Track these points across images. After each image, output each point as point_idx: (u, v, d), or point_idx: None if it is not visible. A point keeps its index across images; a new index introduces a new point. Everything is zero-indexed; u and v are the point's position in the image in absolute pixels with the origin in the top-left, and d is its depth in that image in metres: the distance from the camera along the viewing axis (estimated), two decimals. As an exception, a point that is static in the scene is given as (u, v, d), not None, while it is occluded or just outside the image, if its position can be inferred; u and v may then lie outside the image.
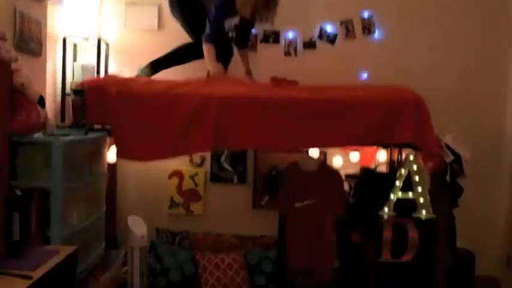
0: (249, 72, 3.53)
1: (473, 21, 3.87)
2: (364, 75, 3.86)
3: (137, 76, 3.39)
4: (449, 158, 2.91)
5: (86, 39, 3.54)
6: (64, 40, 3.47)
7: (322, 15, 3.88)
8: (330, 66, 3.79)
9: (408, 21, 3.87)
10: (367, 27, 3.89)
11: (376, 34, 3.89)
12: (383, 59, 3.84)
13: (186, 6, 3.40)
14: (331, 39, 3.89)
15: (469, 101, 3.85)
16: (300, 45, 3.88)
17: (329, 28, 3.89)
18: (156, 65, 3.43)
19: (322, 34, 3.88)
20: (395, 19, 3.87)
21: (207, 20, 3.21)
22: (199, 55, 3.30)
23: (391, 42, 3.88)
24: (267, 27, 3.70)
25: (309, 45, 3.89)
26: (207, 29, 3.21)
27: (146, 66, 3.43)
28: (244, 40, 3.57)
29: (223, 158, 3.79)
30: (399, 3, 3.87)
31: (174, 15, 3.48)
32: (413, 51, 3.86)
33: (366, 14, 3.88)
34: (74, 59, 3.67)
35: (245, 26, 3.51)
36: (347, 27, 3.89)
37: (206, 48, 3.23)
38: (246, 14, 3.26)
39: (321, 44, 3.88)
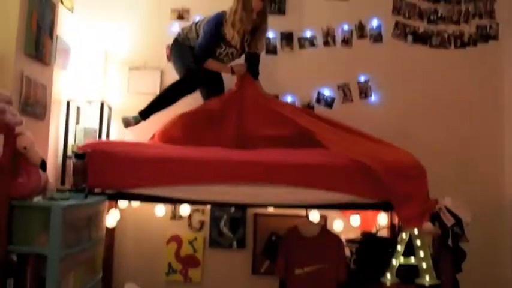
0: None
1: (469, 86, 3.98)
2: (362, 138, 3.90)
3: (124, 121, 3.46)
4: (450, 221, 2.88)
5: (89, 102, 3.60)
6: (68, 103, 3.53)
7: (319, 80, 3.98)
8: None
9: (404, 84, 3.97)
10: (364, 91, 3.98)
11: (373, 98, 3.98)
12: (380, 122, 3.90)
13: (185, 52, 3.53)
14: (329, 103, 3.97)
15: (466, 163, 3.88)
16: (298, 109, 3.95)
17: (326, 92, 3.98)
18: (146, 112, 3.47)
19: (320, 98, 3.97)
20: (391, 83, 3.97)
21: (198, 45, 3.42)
22: (189, 89, 3.45)
23: (387, 105, 3.96)
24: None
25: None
26: (197, 52, 3.40)
27: (135, 116, 3.47)
28: (254, 72, 3.59)
29: (222, 223, 3.75)
30: (395, 67, 3.99)
31: (174, 63, 3.62)
32: (410, 114, 3.94)
33: (362, 78, 3.98)
34: (77, 122, 3.72)
35: (252, 58, 3.59)
36: (344, 91, 3.98)
37: (208, 65, 3.42)
38: (235, 43, 3.41)
39: (319, 108, 3.95)
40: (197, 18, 3.70)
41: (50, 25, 2.89)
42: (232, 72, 3.48)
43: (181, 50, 3.55)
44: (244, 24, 3.33)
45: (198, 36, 3.47)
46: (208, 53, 3.42)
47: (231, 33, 3.36)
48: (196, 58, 3.42)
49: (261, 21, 3.45)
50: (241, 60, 3.63)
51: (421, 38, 4.04)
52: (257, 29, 3.45)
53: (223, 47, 3.47)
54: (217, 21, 3.39)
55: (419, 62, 4.00)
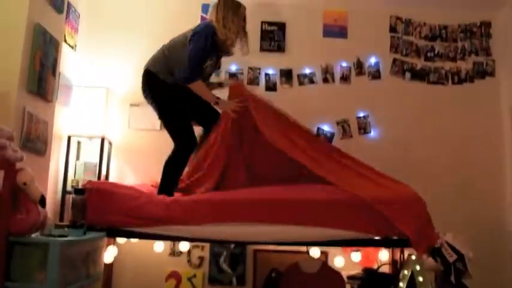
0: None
1: (467, 122, 4.03)
2: (362, 174, 3.90)
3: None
4: (453, 257, 2.85)
5: (90, 138, 3.63)
6: (69, 138, 3.56)
7: (319, 116, 4.02)
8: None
9: (403, 120, 4.03)
10: (363, 127, 4.01)
11: (372, 133, 4.01)
12: (379, 157, 3.89)
13: (163, 93, 3.22)
14: (329, 139, 3.99)
15: (465, 196, 3.88)
16: (298, 145, 3.97)
17: (326, 128, 4.01)
18: (165, 189, 3.10)
19: (319, 134, 3.99)
20: (390, 119, 4.02)
21: (188, 60, 3.09)
22: (187, 156, 3.22)
23: (387, 141, 3.99)
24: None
25: (308, 144, 3.98)
26: (186, 73, 3.08)
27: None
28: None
29: (222, 259, 3.71)
30: (393, 103, 4.05)
31: (149, 98, 3.31)
32: (409, 149, 3.98)
33: (361, 114, 4.02)
34: (77, 158, 3.74)
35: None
36: (343, 127, 4.01)
37: (195, 86, 3.11)
38: (231, 43, 3.24)
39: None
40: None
41: (53, 63, 2.95)
42: (216, 103, 3.19)
43: (156, 85, 3.21)
44: (237, 28, 3.22)
45: (177, 60, 3.17)
46: (200, 72, 3.15)
47: (226, 35, 3.18)
48: (186, 75, 3.10)
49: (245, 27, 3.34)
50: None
51: (419, 75, 4.10)
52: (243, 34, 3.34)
53: (211, 59, 3.28)
54: (208, 32, 3.16)
55: (417, 98, 4.06)
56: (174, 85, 3.16)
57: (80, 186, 2.80)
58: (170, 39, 3.34)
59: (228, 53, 3.39)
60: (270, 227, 2.76)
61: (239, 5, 3.28)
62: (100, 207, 2.68)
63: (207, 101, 3.22)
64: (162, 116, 3.28)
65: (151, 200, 2.82)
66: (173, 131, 3.24)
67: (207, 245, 3.76)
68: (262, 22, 4.12)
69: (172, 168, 3.18)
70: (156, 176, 3.49)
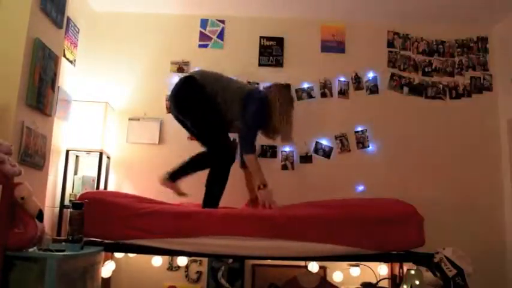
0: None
1: (465, 136, 4.05)
2: (360, 188, 3.91)
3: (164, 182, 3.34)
4: (452, 271, 2.84)
5: (88, 152, 3.63)
6: (67, 152, 3.56)
7: (317, 130, 4.04)
8: (327, 179, 3.87)
9: (401, 135, 4.04)
10: (361, 141, 4.02)
11: (370, 147, 4.01)
12: (377, 171, 3.93)
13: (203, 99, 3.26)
14: (327, 154, 4.00)
15: (464, 210, 3.88)
16: (296, 159, 3.98)
17: (324, 142, 4.02)
18: (173, 175, 3.35)
19: (318, 148, 4.00)
20: (388, 133, 4.04)
21: (242, 131, 3.25)
22: (227, 166, 3.26)
23: (384, 155, 4.00)
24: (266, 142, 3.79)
25: (306, 159, 3.99)
26: (244, 141, 3.26)
27: (165, 176, 3.36)
28: None
29: (220, 274, 3.68)
30: (391, 118, 4.07)
31: (181, 116, 3.38)
32: (407, 163, 3.99)
33: (359, 129, 4.03)
34: (75, 172, 3.74)
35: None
36: (341, 141, 4.02)
37: (251, 159, 3.21)
38: (278, 124, 3.29)
39: (317, 158, 3.98)
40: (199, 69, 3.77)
41: (52, 77, 2.95)
42: (259, 187, 3.19)
43: (199, 92, 3.24)
44: (289, 116, 3.32)
45: (224, 92, 3.27)
46: (254, 146, 3.28)
47: (278, 119, 3.28)
48: (241, 144, 3.30)
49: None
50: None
51: (416, 90, 4.13)
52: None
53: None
54: (265, 105, 3.28)
55: (415, 112, 4.08)
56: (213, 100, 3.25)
57: (76, 200, 2.78)
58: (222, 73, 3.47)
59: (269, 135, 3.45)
60: (269, 241, 2.75)
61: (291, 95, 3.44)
62: (97, 220, 2.68)
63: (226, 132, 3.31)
64: (198, 125, 3.33)
65: (154, 211, 2.81)
66: (210, 143, 3.32)
67: (205, 260, 3.74)
68: (260, 37, 4.16)
69: (214, 184, 3.23)
70: (154, 190, 3.50)
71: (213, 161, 3.26)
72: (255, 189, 3.32)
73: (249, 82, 4.05)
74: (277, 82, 3.48)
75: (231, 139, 3.41)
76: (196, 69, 3.82)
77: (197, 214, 2.80)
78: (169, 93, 3.92)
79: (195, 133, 3.45)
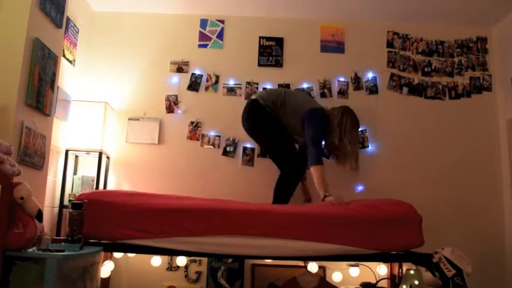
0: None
1: (465, 136, 4.05)
2: (360, 188, 3.91)
3: None
4: (451, 271, 2.84)
5: (88, 152, 3.63)
6: (66, 152, 3.56)
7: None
8: (328, 179, 3.85)
9: (401, 135, 4.04)
10: (361, 142, 4.02)
11: (370, 148, 4.01)
12: (377, 172, 3.93)
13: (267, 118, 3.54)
14: (327, 154, 3.99)
15: (464, 212, 3.88)
16: (296, 159, 3.98)
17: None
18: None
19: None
20: (388, 134, 4.03)
21: (308, 148, 3.38)
22: (296, 179, 3.54)
23: (384, 155, 4.00)
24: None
25: (305, 159, 3.98)
26: (311, 152, 3.35)
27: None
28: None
29: (219, 274, 3.68)
30: (391, 118, 4.06)
31: (254, 125, 3.64)
32: (407, 163, 3.98)
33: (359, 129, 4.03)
34: (75, 172, 3.74)
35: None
36: (341, 141, 4.02)
37: (318, 170, 3.31)
38: (342, 147, 3.47)
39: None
40: (196, 71, 3.79)
41: (52, 77, 2.95)
42: (323, 199, 3.25)
43: (263, 114, 3.54)
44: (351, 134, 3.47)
45: (285, 108, 3.52)
46: (321, 153, 3.45)
47: (341, 140, 3.46)
48: (312, 158, 3.36)
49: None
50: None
51: (416, 90, 4.12)
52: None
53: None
54: (326, 120, 3.49)
55: (414, 113, 4.07)
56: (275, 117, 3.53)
57: (75, 200, 2.78)
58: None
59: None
60: (268, 240, 2.75)
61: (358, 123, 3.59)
62: (97, 220, 2.68)
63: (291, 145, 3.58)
64: (268, 147, 3.69)
65: (148, 209, 2.81)
66: (280, 157, 3.59)
67: (204, 260, 3.74)
68: (260, 37, 4.15)
69: (281, 191, 3.49)
70: (154, 191, 3.50)
71: (284, 172, 3.52)
72: (308, 191, 3.71)
73: (248, 83, 4.05)
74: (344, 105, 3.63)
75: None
76: (260, 89, 4.01)
77: (196, 211, 2.80)
78: (169, 93, 3.98)
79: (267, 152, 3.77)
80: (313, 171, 3.32)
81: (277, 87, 4.07)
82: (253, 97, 3.64)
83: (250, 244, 2.74)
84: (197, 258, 3.73)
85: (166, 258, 3.72)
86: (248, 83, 4.05)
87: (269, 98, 3.57)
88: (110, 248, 2.93)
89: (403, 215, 2.86)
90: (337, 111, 3.53)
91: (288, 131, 3.55)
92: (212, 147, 3.97)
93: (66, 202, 3.49)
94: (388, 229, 2.79)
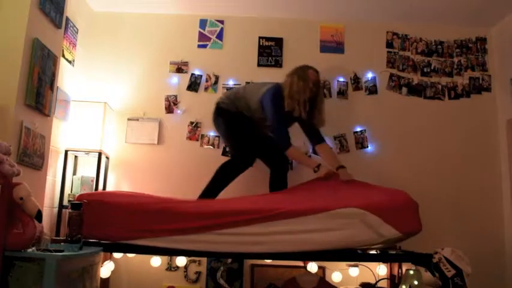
0: (340, 165, 3.39)
1: (464, 136, 4.06)
2: (360, 188, 3.90)
3: None
4: (450, 272, 2.84)
5: (87, 152, 3.62)
6: (66, 153, 3.55)
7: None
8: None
9: (400, 135, 4.04)
10: (360, 142, 4.02)
11: (369, 148, 4.01)
12: (377, 172, 3.92)
13: (232, 122, 3.46)
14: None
15: (463, 211, 3.89)
16: (296, 160, 3.98)
17: (324, 143, 4.01)
18: (205, 195, 3.35)
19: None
20: (387, 134, 4.04)
21: (272, 132, 3.36)
22: (240, 169, 3.39)
23: (384, 155, 4.00)
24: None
25: (305, 159, 3.98)
26: (277, 140, 3.33)
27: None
28: (318, 136, 3.57)
29: (219, 274, 3.68)
30: (390, 118, 4.07)
31: (220, 131, 3.58)
32: (406, 164, 3.99)
33: (358, 129, 4.04)
34: (74, 172, 3.73)
35: (308, 124, 3.54)
36: (341, 141, 4.02)
37: (290, 154, 3.33)
38: (297, 114, 3.32)
39: (316, 158, 3.96)
40: (195, 71, 3.79)
41: (51, 77, 2.95)
42: (315, 170, 3.31)
43: (227, 118, 3.47)
44: (303, 94, 3.32)
45: (246, 104, 3.43)
46: (288, 139, 3.33)
47: (290, 105, 3.31)
48: (279, 146, 3.34)
49: (317, 92, 3.45)
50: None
51: (415, 90, 4.13)
52: (315, 100, 3.44)
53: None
54: (278, 96, 3.34)
55: (414, 113, 4.08)
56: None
57: (75, 200, 2.78)
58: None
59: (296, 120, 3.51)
60: (268, 236, 2.73)
61: (308, 71, 3.42)
62: (96, 221, 2.68)
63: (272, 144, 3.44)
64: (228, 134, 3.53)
65: (146, 210, 2.81)
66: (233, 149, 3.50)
67: (204, 260, 3.73)
68: (259, 37, 4.15)
69: (217, 178, 3.36)
70: (153, 191, 3.50)
71: (230, 162, 3.42)
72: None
73: (248, 83, 4.05)
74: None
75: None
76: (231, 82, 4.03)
77: (192, 210, 2.81)
78: (168, 93, 3.98)
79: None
80: (288, 155, 3.34)
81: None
82: (217, 101, 3.57)
83: (249, 241, 2.74)
84: (197, 259, 3.73)
85: (165, 258, 3.72)
86: (248, 83, 4.05)
87: (229, 98, 3.52)
88: (110, 248, 2.93)
89: (399, 202, 2.86)
90: (286, 78, 3.42)
91: (260, 126, 3.46)
92: (212, 147, 3.97)
93: (65, 202, 3.49)
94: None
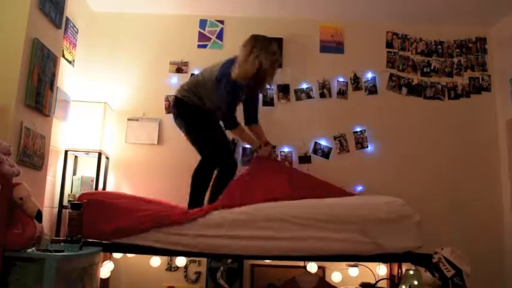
0: (268, 143, 3.47)
1: (464, 136, 4.06)
2: (359, 188, 3.91)
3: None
4: (450, 272, 2.84)
5: (87, 152, 3.63)
6: (66, 153, 3.55)
7: (316, 131, 4.03)
8: (326, 180, 3.85)
9: (400, 135, 4.05)
10: (360, 142, 4.02)
11: (369, 148, 4.02)
12: (377, 172, 3.93)
13: (189, 114, 3.38)
14: (326, 154, 3.99)
15: (462, 211, 3.88)
16: (295, 160, 3.98)
17: (323, 143, 4.02)
18: (193, 204, 3.23)
19: (316, 149, 4.00)
20: (387, 134, 4.04)
21: (221, 113, 3.29)
22: (211, 170, 3.36)
23: (384, 155, 4.00)
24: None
25: (304, 159, 3.99)
26: (224, 119, 3.29)
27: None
28: (256, 117, 3.57)
29: (219, 274, 3.68)
30: (390, 118, 4.07)
31: (179, 125, 3.46)
32: (406, 164, 3.99)
33: (358, 129, 4.04)
34: (74, 172, 3.73)
35: (251, 102, 3.53)
36: (340, 141, 4.02)
37: (237, 133, 3.35)
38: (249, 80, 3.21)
39: (316, 159, 3.98)
40: (195, 72, 3.80)
41: (51, 77, 2.95)
42: (256, 150, 3.40)
43: (187, 112, 3.38)
44: (252, 66, 3.19)
45: (204, 88, 3.32)
46: (235, 119, 3.28)
47: (242, 79, 3.19)
48: (224, 123, 3.32)
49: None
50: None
51: (415, 90, 4.13)
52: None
53: (241, 96, 3.38)
54: (227, 75, 3.22)
55: (414, 113, 4.08)
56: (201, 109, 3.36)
57: (75, 200, 2.79)
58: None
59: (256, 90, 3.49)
60: (269, 241, 2.74)
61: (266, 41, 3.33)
62: (96, 220, 2.68)
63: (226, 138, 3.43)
64: (189, 132, 3.43)
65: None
66: (199, 147, 3.40)
67: (203, 260, 3.74)
68: (259, 37, 4.15)
69: (196, 180, 3.33)
70: (153, 191, 3.51)
71: (202, 164, 3.36)
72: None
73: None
74: None
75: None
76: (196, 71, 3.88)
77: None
78: (168, 93, 3.97)
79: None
80: (235, 135, 3.40)
81: (276, 87, 4.08)
82: (173, 95, 3.50)
83: (250, 244, 2.75)
84: (196, 259, 3.73)
85: (165, 258, 3.72)
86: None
87: (189, 87, 3.39)
88: (110, 248, 2.93)
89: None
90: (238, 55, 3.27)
91: (211, 109, 3.36)
92: (211, 147, 3.96)
93: (65, 202, 3.49)
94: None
